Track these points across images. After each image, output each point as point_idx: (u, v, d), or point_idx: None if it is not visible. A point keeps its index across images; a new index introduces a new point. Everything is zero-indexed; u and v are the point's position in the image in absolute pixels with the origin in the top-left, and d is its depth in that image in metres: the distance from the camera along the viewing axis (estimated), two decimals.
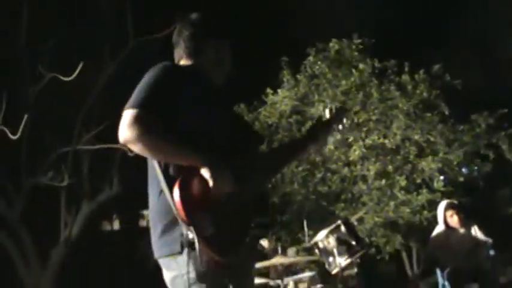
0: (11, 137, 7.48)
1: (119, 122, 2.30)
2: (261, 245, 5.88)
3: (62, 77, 7.75)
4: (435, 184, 8.24)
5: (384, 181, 8.21)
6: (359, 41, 8.89)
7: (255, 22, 11.02)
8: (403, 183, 8.13)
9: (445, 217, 6.58)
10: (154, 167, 2.41)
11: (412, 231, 8.55)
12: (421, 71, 8.49)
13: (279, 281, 4.97)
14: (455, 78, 8.45)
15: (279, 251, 5.29)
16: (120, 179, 10.19)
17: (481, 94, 10.26)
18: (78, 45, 9.15)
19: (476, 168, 8.77)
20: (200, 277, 2.30)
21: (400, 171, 8.41)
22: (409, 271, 9.49)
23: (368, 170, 8.44)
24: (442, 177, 8.48)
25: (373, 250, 8.36)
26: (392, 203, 8.07)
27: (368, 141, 8.39)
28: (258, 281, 5.21)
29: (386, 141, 8.43)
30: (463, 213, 6.64)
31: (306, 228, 5.81)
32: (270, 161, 2.78)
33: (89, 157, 10.17)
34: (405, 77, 8.52)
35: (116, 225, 19.40)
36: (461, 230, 6.55)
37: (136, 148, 2.27)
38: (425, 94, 8.40)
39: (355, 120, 8.60)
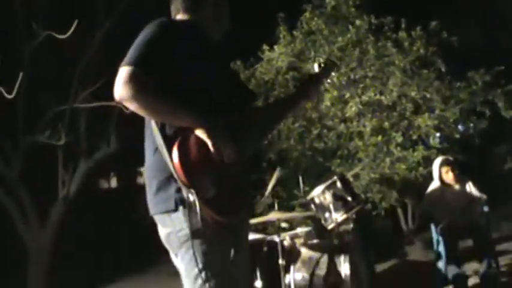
0: (7, 96, 7.46)
1: (115, 80, 2.30)
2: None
3: (57, 35, 7.69)
4: (431, 141, 8.27)
5: (380, 137, 8.23)
6: None
7: None
8: (399, 139, 8.15)
9: (440, 173, 6.66)
10: (151, 125, 2.41)
11: (407, 188, 8.61)
12: (418, 28, 8.43)
13: (275, 236, 5.03)
14: (452, 35, 8.40)
15: (275, 207, 5.32)
16: (118, 137, 10.21)
17: (478, 51, 10.23)
18: (73, 2, 9.07)
19: (472, 125, 8.79)
20: (195, 234, 2.32)
21: (396, 127, 8.42)
22: (404, 226, 9.59)
23: (364, 126, 8.45)
24: (438, 134, 8.50)
25: (368, 206, 8.43)
26: (388, 160, 8.10)
27: (364, 98, 8.38)
28: (253, 236, 5.27)
29: (383, 97, 8.42)
30: (458, 169, 6.70)
31: (302, 184, 5.84)
32: (265, 118, 2.79)
33: (86, 115, 10.15)
34: (402, 34, 8.46)
35: (114, 182, 19.52)
36: (456, 186, 6.63)
37: (132, 107, 2.28)
38: (422, 51, 8.36)
39: (352, 76, 8.59)
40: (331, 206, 5.21)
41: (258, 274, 4.92)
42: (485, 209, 6.59)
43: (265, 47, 9.04)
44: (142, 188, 2.75)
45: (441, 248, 6.39)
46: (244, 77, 8.81)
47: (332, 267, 5.03)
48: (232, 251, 2.41)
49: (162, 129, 2.34)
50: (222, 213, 2.29)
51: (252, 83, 8.93)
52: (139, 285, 9.37)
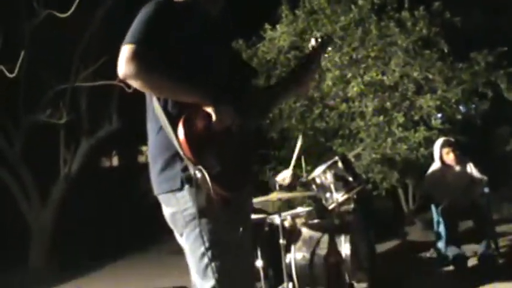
0: (8, 75, 7.46)
1: (116, 58, 2.29)
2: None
3: (58, 14, 7.67)
4: (433, 121, 8.25)
5: (381, 118, 8.23)
6: None
7: None
8: (401, 120, 8.14)
9: (441, 154, 6.66)
10: (154, 103, 2.40)
11: (408, 168, 8.61)
12: (421, 8, 8.38)
13: (276, 216, 5.04)
14: (455, 15, 8.35)
15: (277, 187, 5.33)
16: (119, 115, 10.21)
17: (480, 32, 10.17)
18: None
19: (474, 106, 8.76)
20: (201, 213, 2.32)
21: (398, 108, 8.40)
22: (404, 207, 9.62)
23: (366, 106, 8.44)
24: (439, 115, 8.49)
25: (369, 186, 8.45)
26: (389, 140, 8.10)
27: (366, 78, 8.36)
28: (254, 216, 5.28)
29: (385, 77, 8.39)
30: (459, 150, 6.70)
31: (303, 164, 5.84)
32: (266, 99, 2.79)
33: (87, 93, 10.15)
34: (405, 14, 8.41)
35: (115, 161, 19.53)
36: (457, 167, 6.64)
37: (137, 84, 2.27)
38: (424, 31, 8.32)
39: (354, 56, 8.56)
40: (332, 186, 5.23)
41: (259, 253, 4.94)
42: (486, 190, 6.61)
43: (267, 26, 9.00)
44: (143, 167, 2.75)
45: (441, 229, 6.41)
46: (246, 56, 8.78)
47: (333, 247, 5.06)
48: (240, 229, 2.42)
49: (165, 107, 2.33)
50: (228, 189, 2.28)
51: (254, 62, 8.90)
52: (140, 264, 9.42)
